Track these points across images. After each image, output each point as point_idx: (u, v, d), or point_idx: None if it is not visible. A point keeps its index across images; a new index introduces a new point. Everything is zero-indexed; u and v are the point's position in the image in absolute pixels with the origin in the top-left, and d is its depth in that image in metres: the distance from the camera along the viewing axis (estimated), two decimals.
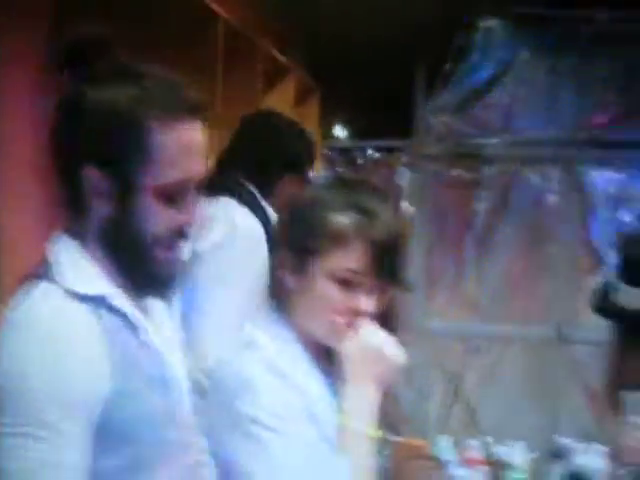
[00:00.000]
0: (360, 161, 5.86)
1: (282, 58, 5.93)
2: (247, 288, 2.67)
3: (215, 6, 4.73)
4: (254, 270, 2.60)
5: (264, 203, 3.03)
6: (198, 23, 4.66)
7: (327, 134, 5.93)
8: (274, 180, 3.09)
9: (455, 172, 5.26)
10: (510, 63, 5.19)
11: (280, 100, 6.04)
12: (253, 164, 3.09)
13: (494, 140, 5.01)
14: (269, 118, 3.35)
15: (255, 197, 3.03)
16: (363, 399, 1.69)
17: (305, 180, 3.12)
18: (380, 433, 1.70)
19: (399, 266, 1.76)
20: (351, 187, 1.82)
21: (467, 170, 5.18)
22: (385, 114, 5.68)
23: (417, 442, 1.93)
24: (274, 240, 2.04)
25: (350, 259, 1.69)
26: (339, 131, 6.34)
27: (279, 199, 3.01)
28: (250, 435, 1.63)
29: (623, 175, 4.96)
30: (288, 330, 1.77)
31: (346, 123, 6.26)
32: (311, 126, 5.86)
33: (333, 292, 1.70)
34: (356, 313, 1.71)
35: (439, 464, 2.78)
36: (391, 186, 5.66)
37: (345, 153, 5.92)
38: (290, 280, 1.76)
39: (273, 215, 2.97)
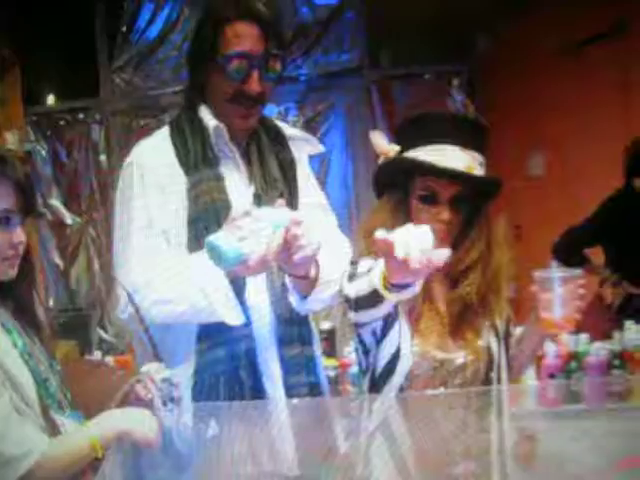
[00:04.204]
0: (61, 122, 5.99)
1: None
2: None
3: None
4: None
5: None
6: None
7: (33, 101, 5.93)
8: None
9: (143, 122, 5.51)
10: (176, 20, 5.50)
11: None
12: None
13: (167, 90, 5.29)
14: None
15: None
16: None
17: None
18: None
19: (35, 201, 1.98)
20: None
21: (152, 119, 5.40)
22: (76, 75, 5.79)
23: None
24: None
25: (1, 201, 1.87)
26: (44, 96, 6.32)
27: None
28: None
29: (281, 107, 5.37)
30: None
31: (46, 88, 6.26)
32: (15, 95, 5.84)
33: None
34: (14, 246, 1.89)
35: None
36: (90, 142, 5.88)
37: (48, 116, 6.01)
38: None
39: None
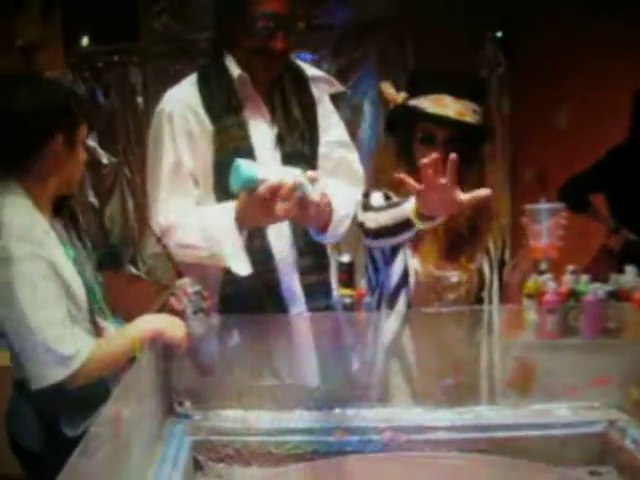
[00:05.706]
0: (100, 64, 6.21)
1: None
2: None
3: None
4: None
5: None
6: None
7: (72, 42, 6.16)
8: None
9: (179, 66, 5.73)
10: None
11: (25, 20, 6.11)
12: None
13: (204, 35, 5.49)
14: None
15: None
16: None
17: None
18: None
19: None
20: None
21: (188, 64, 5.60)
22: (115, 19, 6.01)
23: None
24: None
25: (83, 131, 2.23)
26: (83, 39, 6.54)
27: None
28: None
29: (316, 55, 5.61)
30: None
31: (85, 31, 6.48)
32: (56, 38, 6.05)
33: None
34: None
35: None
36: (127, 84, 6.14)
37: (86, 58, 6.21)
38: None
39: None
